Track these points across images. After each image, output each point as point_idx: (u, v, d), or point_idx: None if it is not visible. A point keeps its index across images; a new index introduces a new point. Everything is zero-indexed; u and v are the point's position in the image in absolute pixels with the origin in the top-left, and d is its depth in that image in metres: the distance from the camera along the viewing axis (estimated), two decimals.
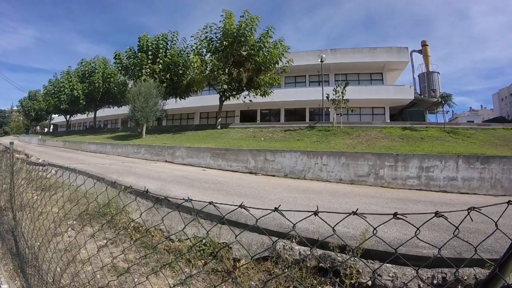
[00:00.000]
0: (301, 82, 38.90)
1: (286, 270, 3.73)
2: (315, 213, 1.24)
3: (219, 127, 28.50)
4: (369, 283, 3.59)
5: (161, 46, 31.24)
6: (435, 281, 3.56)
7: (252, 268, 3.80)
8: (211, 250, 4.20)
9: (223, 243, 4.29)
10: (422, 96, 37.27)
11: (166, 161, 17.74)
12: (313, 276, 3.64)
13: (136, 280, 3.44)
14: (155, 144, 20.49)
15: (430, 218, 1.11)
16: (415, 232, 1.21)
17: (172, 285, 3.25)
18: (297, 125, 25.10)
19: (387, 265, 3.67)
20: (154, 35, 31.98)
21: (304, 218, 1.32)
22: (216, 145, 17.72)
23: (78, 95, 41.43)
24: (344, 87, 23.29)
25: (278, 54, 25.49)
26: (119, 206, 5.01)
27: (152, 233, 4.88)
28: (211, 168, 15.12)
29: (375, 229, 1.27)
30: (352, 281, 3.49)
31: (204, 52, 27.77)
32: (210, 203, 1.42)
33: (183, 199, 1.63)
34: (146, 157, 19.45)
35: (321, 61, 29.31)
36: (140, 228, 5.05)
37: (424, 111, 34.50)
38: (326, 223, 1.38)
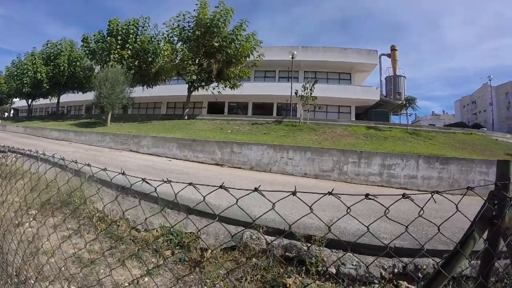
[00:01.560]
0: (271, 77, 39.15)
1: (253, 259, 3.77)
2: (293, 193, 1.37)
3: (186, 117, 28.09)
4: (334, 271, 3.70)
5: (131, 31, 30.43)
6: (396, 270, 3.76)
7: (220, 257, 3.84)
8: (179, 240, 4.20)
9: (190, 232, 4.31)
10: (388, 98, 38.62)
11: (131, 151, 17.39)
12: (279, 265, 3.69)
13: (102, 271, 3.40)
14: (121, 132, 19.99)
15: (397, 200, 1.24)
16: (384, 211, 1.30)
17: (139, 276, 3.24)
18: (265, 119, 25.35)
19: (351, 254, 3.78)
20: (125, 19, 31.14)
21: (269, 211, 1.36)
22: (183, 136, 17.56)
23: (42, 78, 39.13)
24: (313, 84, 23.75)
25: (250, 48, 25.44)
26: (84, 195, 4.90)
27: (118, 223, 4.81)
28: (177, 159, 14.98)
29: (346, 214, 1.33)
30: (317, 269, 3.60)
31: (176, 41, 27.32)
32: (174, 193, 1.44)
33: (158, 180, 1.63)
34: (111, 145, 18.95)
35: (292, 58, 29.78)
36: (105, 218, 4.96)
37: (389, 112, 35.85)
38: (308, 211, 1.48)
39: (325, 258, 3.77)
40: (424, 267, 3.76)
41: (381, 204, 1.27)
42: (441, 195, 1.27)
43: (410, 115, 40.45)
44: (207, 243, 4.14)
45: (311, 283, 3.42)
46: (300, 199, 1.35)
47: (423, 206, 1.31)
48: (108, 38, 29.67)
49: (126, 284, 3.12)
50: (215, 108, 38.20)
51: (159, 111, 42.87)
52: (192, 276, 3.51)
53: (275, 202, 1.49)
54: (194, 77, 25.61)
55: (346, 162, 11.62)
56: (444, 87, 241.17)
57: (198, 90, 28.02)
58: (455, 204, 1.37)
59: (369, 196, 1.21)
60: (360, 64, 36.88)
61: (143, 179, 1.66)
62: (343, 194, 1.25)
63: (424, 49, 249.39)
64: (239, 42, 25.38)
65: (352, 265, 3.71)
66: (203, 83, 27.05)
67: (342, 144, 16.06)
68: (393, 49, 45.06)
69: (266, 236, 4.26)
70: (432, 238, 2.16)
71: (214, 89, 27.24)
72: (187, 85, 28.41)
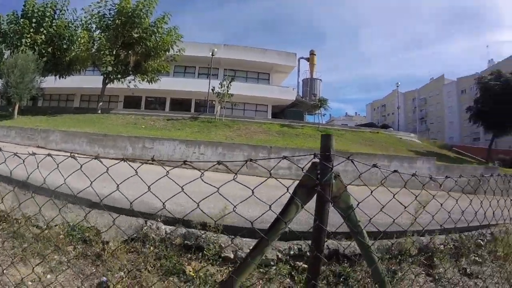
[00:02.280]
0: (190, 72, 38.98)
1: (153, 249, 3.92)
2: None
3: (99, 111, 26.46)
4: (232, 256, 3.92)
5: (48, 14, 27.09)
6: (291, 252, 4.05)
7: (121, 249, 3.90)
8: (81, 235, 4.21)
9: (92, 227, 4.34)
10: (304, 99, 40.88)
11: (38, 146, 16.23)
12: (179, 253, 3.90)
13: (5, 271, 3.36)
14: (28, 126, 18.58)
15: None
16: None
17: (42, 273, 3.30)
18: (181, 115, 25.43)
19: (247, 239, 4.01)
20: (43, 0, 27.89)
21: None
22: (95, 131, 16.86)
23: None
24: (230, 82, 24.29)
25: (171, 42, 25.15)
26: None
27: (19, 221, 4.71)
28: (86, 155, 14.36)
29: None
30: (215, 255, 3.84)
31: (94, 28, 25.69)
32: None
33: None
34: (17, 141, 17.40)
35: (212, 55, 30.25)
36: (5, 216, 4.82)
37: (304, 112, 38.22)
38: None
39: (223, 244, 3.97)
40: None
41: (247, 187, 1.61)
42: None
43: (324, 115, 42.57)
44: (109, 236, 4.14)
45: (205, 266, 3.62)
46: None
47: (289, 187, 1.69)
48: (22, 20, 26.44)
49: (30, 283, 3.08)
50: (132, 102, 36.94)
51: (72, 104, 39.98)
52: (94, 269, 3.57)
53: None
54: (110, 68, 24.48)
55: (257, 157, 12.10)
56: (359, 91, 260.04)
57: (113, 82, 26.55)
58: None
59: (220, 162, 1.53)
60: (279, 65, 38.52)
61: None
62: (197, 162, 1.60)
63: (343, 55, 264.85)
64: (159, 35, 24.91)
65: (249, 249, 3.77)
66: (119, 75, 25.81)
67: (255, 140, 16.75)
68: (312, 53, 48.09)
69: (165, 226, 4.43)
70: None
71: (130, 82, 26.38)
72: (102, 76, 26.93)
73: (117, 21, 23.62)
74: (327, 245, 4.09)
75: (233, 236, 3.72)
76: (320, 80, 47.56)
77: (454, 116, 70.55)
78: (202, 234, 4.11)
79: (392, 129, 45.76)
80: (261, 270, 3.75)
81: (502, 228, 6.18)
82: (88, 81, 35.37)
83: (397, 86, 69.67)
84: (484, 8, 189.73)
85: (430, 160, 14.79)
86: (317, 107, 32.33)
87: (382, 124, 63.45)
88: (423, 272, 4.37)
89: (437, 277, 4.25)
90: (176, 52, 25.70)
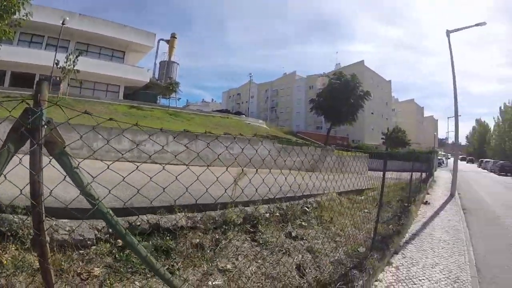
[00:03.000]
0: (38, 42, 33.02)
1: None
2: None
3: None
4: (48, 239, 3.00)
5: None
6: (110, 230, 3.64)
7: None
8: None
9: None
10: (158, 82, 40.16)
11: None
12: None
13: None
14: None
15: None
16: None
17: None
18: (20, 93, 21.97)
19: (64, 220, 3.73)
20: None
21: None
22: None
23: None
24: (77, 56, 22.40)
25: (17, 3, 22.53)
26: None
27: None
28: None
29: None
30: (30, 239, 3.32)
31: None
32: None
33: None
34: None
35: (63, 23, 27.38)
36: None
37: (158, 95, 37.61)
38: None
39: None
40: (139, 223, 3.94)
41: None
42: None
43: (179, 99, 43.66)
44: None
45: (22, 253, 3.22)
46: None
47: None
48: None
49: None
50: None
51: None
52: None
53: None
54: None
55: (96, 138, 11.70)
56: (218, 79, 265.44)
57: None
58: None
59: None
60: (137, 44, 36.50)
61: None
62: None
63: (207, 43, 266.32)
64: None
65: (65, 230, 3.61)
66: None
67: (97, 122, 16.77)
68: (173, 36, 46.98)
69: None
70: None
71: None
72: None
73: None
74: (147, 220, 4.12)
75: (50, 218, 3.44)
76: (178, 64, 47.18)
77: (301, 107, 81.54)
78: (16, 218, 3.57)
79: (244, 116, 49.67)
80: (81, 251, 3.53)
81: (328, 197, 7.38)
82: None
83: (250, 77, 77.61)
84: (341, 22, 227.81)
85: (272, 142, 16.20)
86: (169, 90, 32.96)
87: (236, 111, 67.98)
88: (249, 239, 4.65)
89: (261, 242, 4.58)
90: (23, 15, 23.18)
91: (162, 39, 46.46)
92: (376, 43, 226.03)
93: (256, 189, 2.97)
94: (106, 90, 34.96)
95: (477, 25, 19.03)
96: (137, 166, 1.79)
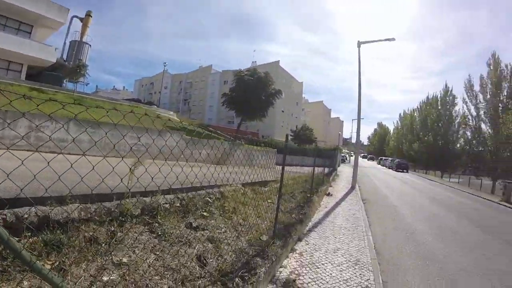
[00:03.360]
0: None
1: None
2: None
3: None
4: None
5: None
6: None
7: None
8: None
9: None
10: (66, 63, 36.99)
11: None
12: None
13: None
14: None
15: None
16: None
17: None
18: None
19: None
20: None
21: None
22: None
23: None
24: None
25: None
26: None
27: None
28: None
29: None
30: None
31: None
32: None
33: None
34: None
35: None
36: None
37: (64, 78, 34.57)
38: None
39: None
40: (26, 216, 3.56)
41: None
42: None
43: (87, 85, 41.11)
44: None
45: None
46: None
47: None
48: None
49: None
50: None
51: None
52: None
53: None
54: None
55: None
56: (132, 66, 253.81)
57: None
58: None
59: None
60: (48, 18, 31.46)
61: None
62: None
63: (125, 26, 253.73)
64: None
65: None
66: None
67: None
68: (88, 14, 44.18)
69: None
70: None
71: None
72: None
73: None
74: (35, 212, 3.70)
75: None
76: (90, 45, 43.99)
77: (215, 101, 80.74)
78: None
79: (156, 106, 48.62)
80: None
81: (232, 187, 7.60)
82: None
83: (165, 66, 75.80)
84: (262, 22, 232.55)
85: (180, 134, 16.30)
86: (76, 72, 30.74)
87: (148, 101, 66.73)
88: (147, 230, 4.54)
89: (160, 233, 4.50)
90: None
91: (76, 16, 43.10)
92: (293, 46, 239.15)
93: (152, 178, 2.99)
94: (8, 68, 30.58)
95: (387, 39, 21.01)
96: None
